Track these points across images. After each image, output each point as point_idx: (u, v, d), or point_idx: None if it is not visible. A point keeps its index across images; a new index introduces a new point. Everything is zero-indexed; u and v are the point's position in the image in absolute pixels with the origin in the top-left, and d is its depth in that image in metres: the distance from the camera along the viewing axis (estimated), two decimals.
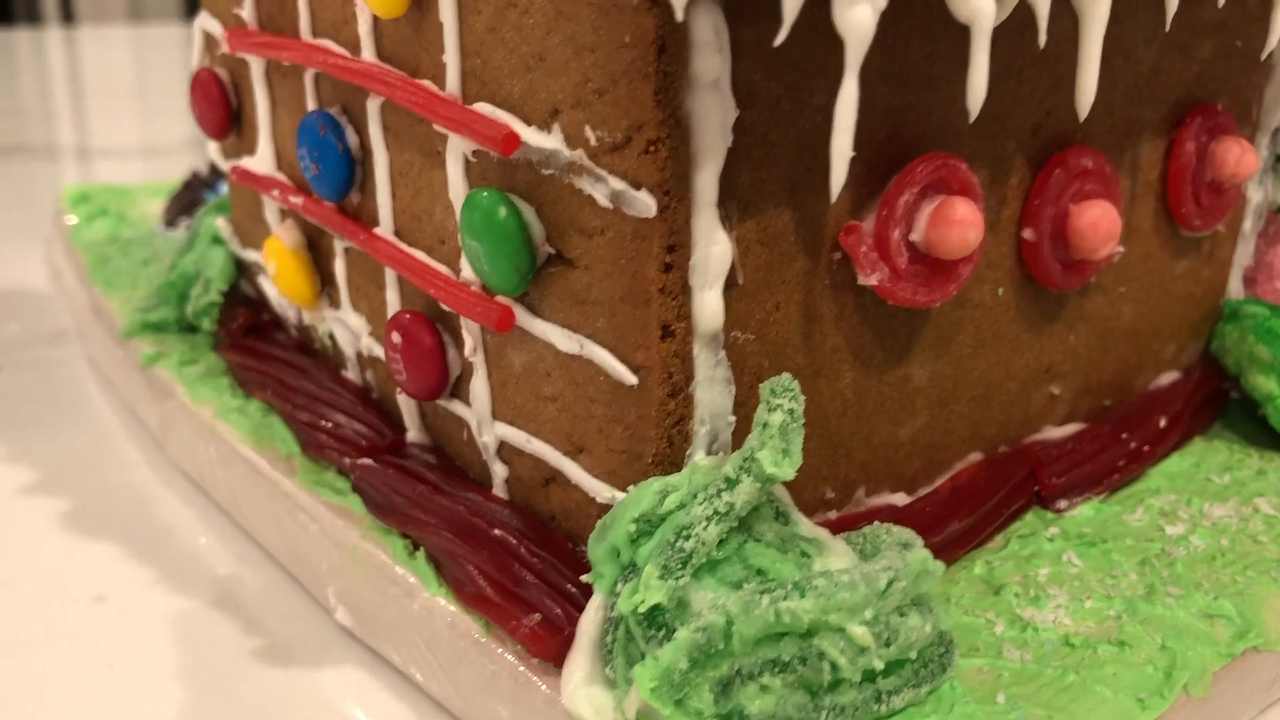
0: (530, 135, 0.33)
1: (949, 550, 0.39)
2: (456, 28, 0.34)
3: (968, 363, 0.40)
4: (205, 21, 0.51)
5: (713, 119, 0.30)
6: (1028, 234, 0.40)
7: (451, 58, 0.35)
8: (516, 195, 0.34)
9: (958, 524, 0.40)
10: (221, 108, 0.50)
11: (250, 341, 0.52)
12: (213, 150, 0.54)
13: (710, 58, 0.30)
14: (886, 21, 0.33)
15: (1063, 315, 0.43)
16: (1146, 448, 0.45)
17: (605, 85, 0.30)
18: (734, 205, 0.32)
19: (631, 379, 0.33)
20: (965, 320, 0.40)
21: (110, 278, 0.65)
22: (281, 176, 0.47)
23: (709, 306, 0.32)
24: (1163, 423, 0.46)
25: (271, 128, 0.48)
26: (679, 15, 0.26)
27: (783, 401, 0.32)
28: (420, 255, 0.39)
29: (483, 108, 0.34)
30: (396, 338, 0.40)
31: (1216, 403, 0.50)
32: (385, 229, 0.41)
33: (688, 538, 0.31)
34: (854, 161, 0.34)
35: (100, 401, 0.61)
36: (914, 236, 0.35)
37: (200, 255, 0.57)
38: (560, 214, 0.33)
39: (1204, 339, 0.51)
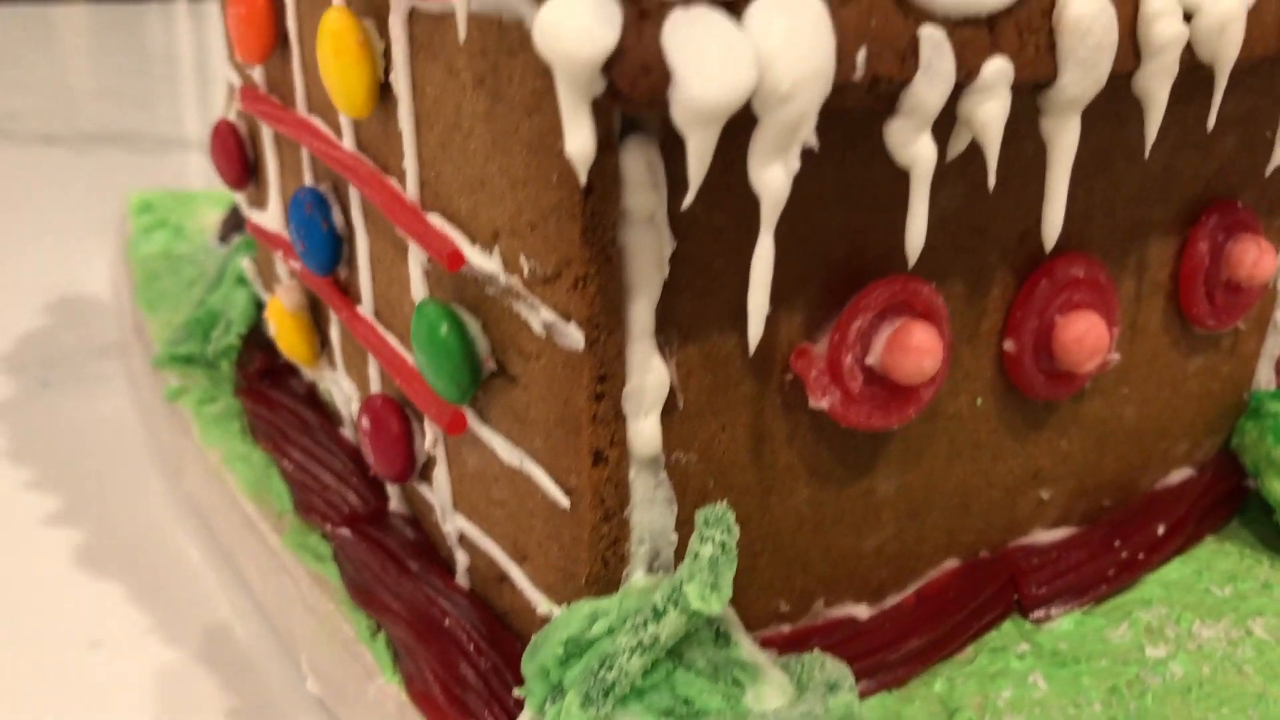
0: (473, 255, 0.33)
1: (908, 666, 0.39)
2: (414, 138, 0.34)
3: (941, 473, 0.39)
4: (228, 72, 0.52)
5: (647, 253, 0.30)
6: (1009, 346, 0.39)
7: (410, 165, 0.35)
8: (465, 307, 0.34)
9: (919, 640, 0.39)
10: (239, 161, 0.51)
11: (264, 387, 0.54)
12: (237, 196, 0.55)
13: (644, 194, 0.29)
14: (845, 143, 0.32)
15: (1052, 421, 0.42)
16: (1141, 555, 0.44)
17: (536, 219, 0.30)
18: (674, 332, 0.32)
19: (565, 501, 0.33)
20: (938, 432, 0.39)
21: (154, 298, 0.67)
22: (287, 236, 0.48)
23: (645, 433, 0.32)
24: (1161, 530, 0.45)
25: (281, 188, 0.48)
26: (581, 179, 0.26)
27: (715, 533, 0.32)
28: (393, 341, 0.40)
29: (435, 219, 0.34)
30: (366, 422, 0.40)
31: (1233, 501, 0.48)
32: (366, 309, 0.41)
33: (610, 667, 0.31)
34: (807, 282, 0.34)
35: (133, 424, 0.63)
36: (870, 360, 0.34)
37: (225, 295, 0.58)
38: (503, 332, 0.33)
39: (1224, 433, 0.49)
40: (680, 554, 0.35)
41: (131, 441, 0.61)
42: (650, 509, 0.33)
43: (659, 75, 0.24)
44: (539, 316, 0.31)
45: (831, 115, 0.27)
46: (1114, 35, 0.30)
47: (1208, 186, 0.43)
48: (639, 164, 0.29)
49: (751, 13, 0.25)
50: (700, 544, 0.31)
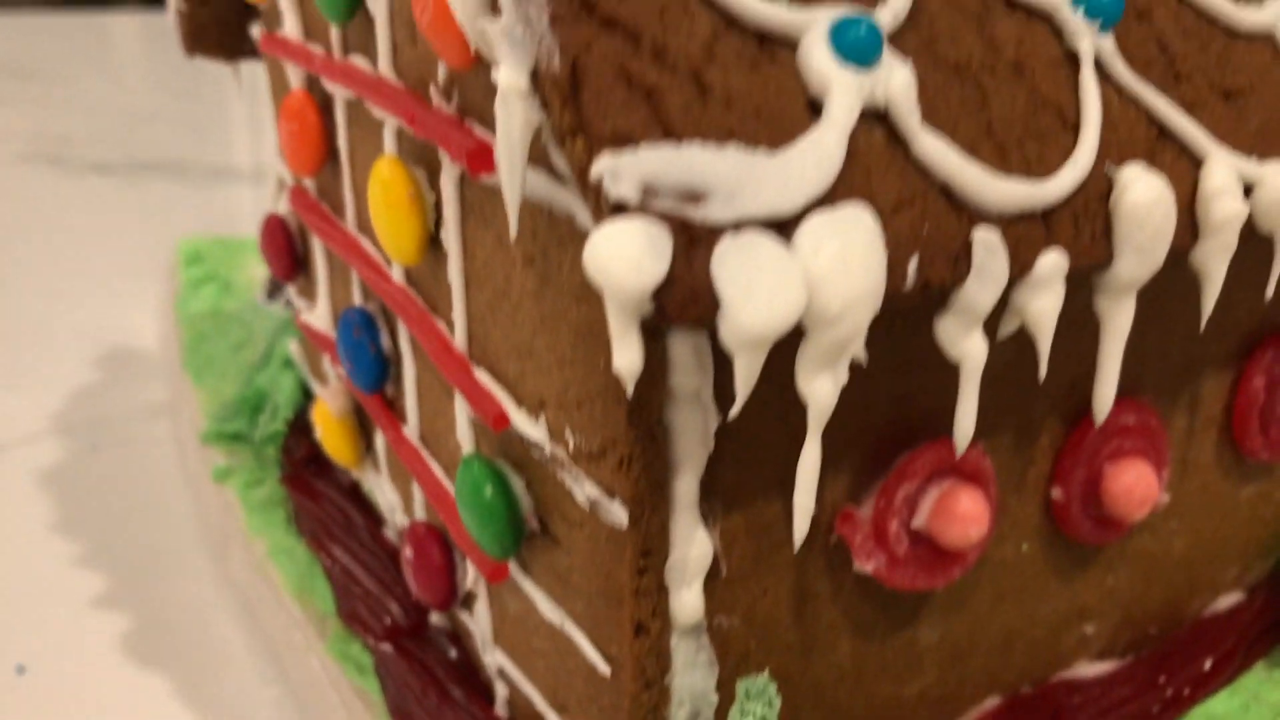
0: (519, 419, 0.33)
1: None
2: (463, 294, 0.34)
3: (985, 619, 0.39)
4: (279, 166, 0.52)
5: (692, 430, 0.30)
6: (1056, 494, 0.38)
7: (459, 319, 0.35)
8: (510, 463, 0.34)
9: None
10: (288, 256, 0.52)
11: (308, 476, 0.54)
12: (288, 286, 0.56)
13: (690, 376, 0.29)
14: (892, 313, 0.32)
15: (1099, 560, 0.41)
16: (1187, 691, 0.43)
17: (582, 398, 0.30)
18: (717, 501, 0.32)
19: (605, 669, 0.33)
20: (983, 579, 0.38)
21: (202, 364, 0.68)
22: (334, 338, 0.49)
23: (687, 603, 0.32)
24: (1208, 665, 0.44)
25: (329, 290, 0.49)
26: (629, 392, 0.26)
27: (756, 706, 0.32)
28: (437, 472, 0.40)
29: (482, 376, 0.34)
30: (409, 551, 0.41)
31: None
32: (412, 433, 0.42)
33: None
34: (853, 447, 0.33)
35: (180, 492, 0.63)
36: (916, 523, 0.34)
37: (273, 377, 0.59)
38: (548, 493, 0.33)
39: (1275, 556, 0.48)
40: (721, 711, 0.34)
41: (179, 513, 0.62)
42: (691, 672, 0.33)
43: (708, 303, 0.24)
44: (583, 489, 0.31)
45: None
46: (1172, 221, 0.30)
47: (1264, 320, 0.42)
48: (686, 349, 0.29)
49: (803, 232, 0.25)
50: (741, 717, 0.31)
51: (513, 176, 0.26)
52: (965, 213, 0.27)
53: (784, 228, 0.25)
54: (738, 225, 0.24)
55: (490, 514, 0.33)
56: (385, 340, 0.42)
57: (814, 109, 0.26)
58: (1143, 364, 0.39)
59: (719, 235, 0.24)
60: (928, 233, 0.27)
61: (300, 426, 0.57)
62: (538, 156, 0.28)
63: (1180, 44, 0.33)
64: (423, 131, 0.33)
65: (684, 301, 0.24)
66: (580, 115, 0.24)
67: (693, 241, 0.24)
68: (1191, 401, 0.41)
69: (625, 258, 0.24)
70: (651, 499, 0.30)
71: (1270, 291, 0.35)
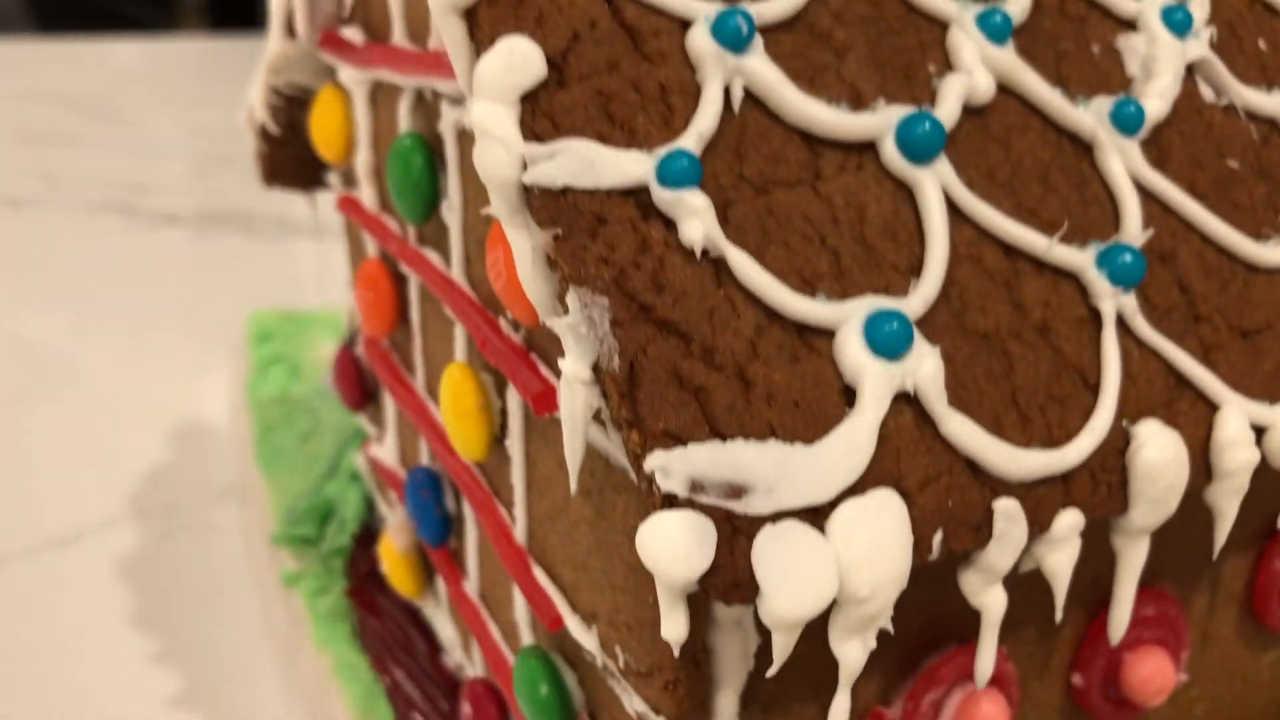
0: (573, 624, 0.35)
1: None
2: (524, 498, 0.37)
3: None
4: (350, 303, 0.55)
5: (734, 651, 0.33)
6: (1077, 680, 0.40)
7: (520, 518, 0.38)
8: (564, 657, 0.37)
9: None
10: (358, 388, 0.55)
11: (373, 591, 0.57)
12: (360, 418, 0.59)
13: (732, 608, 0.32)
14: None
15: None
16: None
17: (632, 623, 0.33)
18: (756, 709, 0.34)
19: None
20: None
21: (270, 455, 0.72)
22: (401, 474, 0.52)
23: None
24: None
25: (398, 430, 0.52)
26: (675, 654, 0.29)
27: None
28: (495, 634, 0.43)
29: (539, 575, 0.37)
30: (467, 708, 0.43)
31: None
32: (472, 589, 0.45)
33: None
34: (884, 653, 0.36)
35: (249, 587, 0.67)
36: None
37: (340, 490, 0.62)
38: (598, 694, 0.36)
39: None
40: None
41: (248, 609, 0.65)
42: None
43: (749, 589, 0.27)
44: (631, 702, 0.34)
45: None
46: (1185, 477, 0.32)
47: None
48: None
49: (835, 520, 0.27)
50: None
51: (574, 448, 0.29)
52: (988, 483, 0.30)
53: (819, 515, 0.27)
54: (776, 516, 0.27)
55: (545, 710, 0.36)
56: (450, 501, 0.45)
57: (849, 395, 0.29)
58: (1164, 555, 0.41)
59: (759, 526, 0.27)
60: (953, 505, 0.29)
61: (366, 539, 0.60)
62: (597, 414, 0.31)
63: (1201, 284, 0.35)
64: (492, 357, 0.35)
65: (727, 588, 0.27)
66: (636, 411, 0.27)
67: (735, 532, 0.27)
68: (1212, 582, 0.43)
69: (673, 548, 0.26)
70: (694, 716, 0.33)
71: None
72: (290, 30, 0.47)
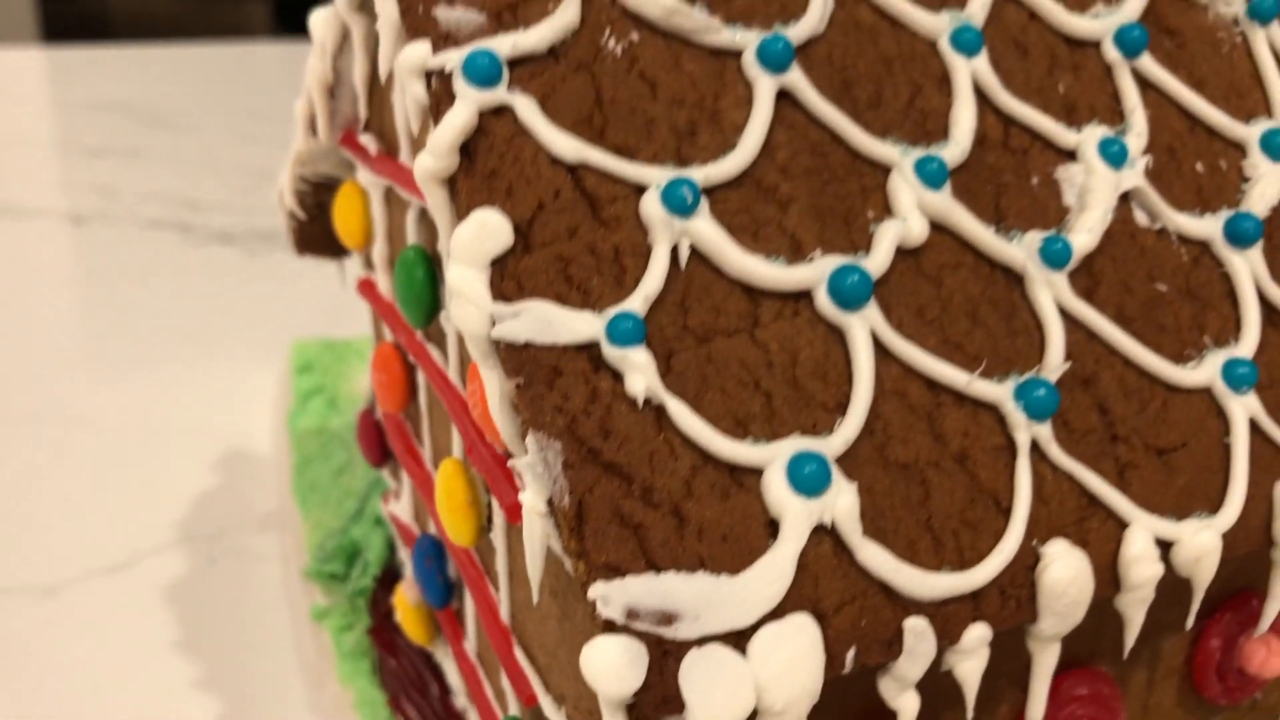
0: (546, 704, 0.40)
1: None
2: (507, 585, 0.42)
3: None
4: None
5: None
6: None
7: (504, 602, 0.42)
8: None
9: None
10: (378, 449, 0.59)
11: (391, 631, 0.62)
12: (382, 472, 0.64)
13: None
14: None
15: None
16: None
17: (593, 710, 0.37)
18: None
19: None
20: None
21: (307, 489, 0.77)
22: (415, 531, 0.56)
23: None
24: None
25: (412, 490, 0.57)
26: None
27: None
28: (489, 693, 0.47)
29: (519, 654, 0.41)
30: None
31: None
32: (470, 649, 0.49)
33: None
34: None
35: (283, 615, 0.72)
36: None
37: (365, 533, 0.67)
38: None
39: None
40: None
41: (282, 637, 0.70)
42: None
43: (676, 707, 0.31)
44: None
45: None
46: (1089, 591, 0.36)
47: (1224, 585, 0.47)
48: None
49: (755, 642, 0.31)
50: None
51: (534, 566, 0.33)
52: (900, 603, 0.34)
53: (741, 638, 0.31)
54: (702, 640, 0.31)
55: None
56: (452, 569, 0.49)
57: (774, 527, 0.33)
58: (1100, 635, 0.44)
59: (686, 649, 0.31)
60: (866, 625, 0.33)
61: (387, 581, 0.65)
62: None
63: (1121, 406, 0.39)
64: (477, 464, 0.40)
65: (656, 704, 0.31)
66: (583, 545, 0.31)
67: (665, 655, 0.31)
68: (1152, 658, 0.47)
69: (610, 668, 0.31)
70: None
71: (1190, 623, 0.40)
72: (313, 129, 0.52)
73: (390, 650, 0.61)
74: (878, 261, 0.36)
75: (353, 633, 0.64)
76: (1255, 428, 0.40)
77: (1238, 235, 0.42)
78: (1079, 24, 0.44)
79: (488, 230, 0.33)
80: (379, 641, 0.62)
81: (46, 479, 0.84)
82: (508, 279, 0.33)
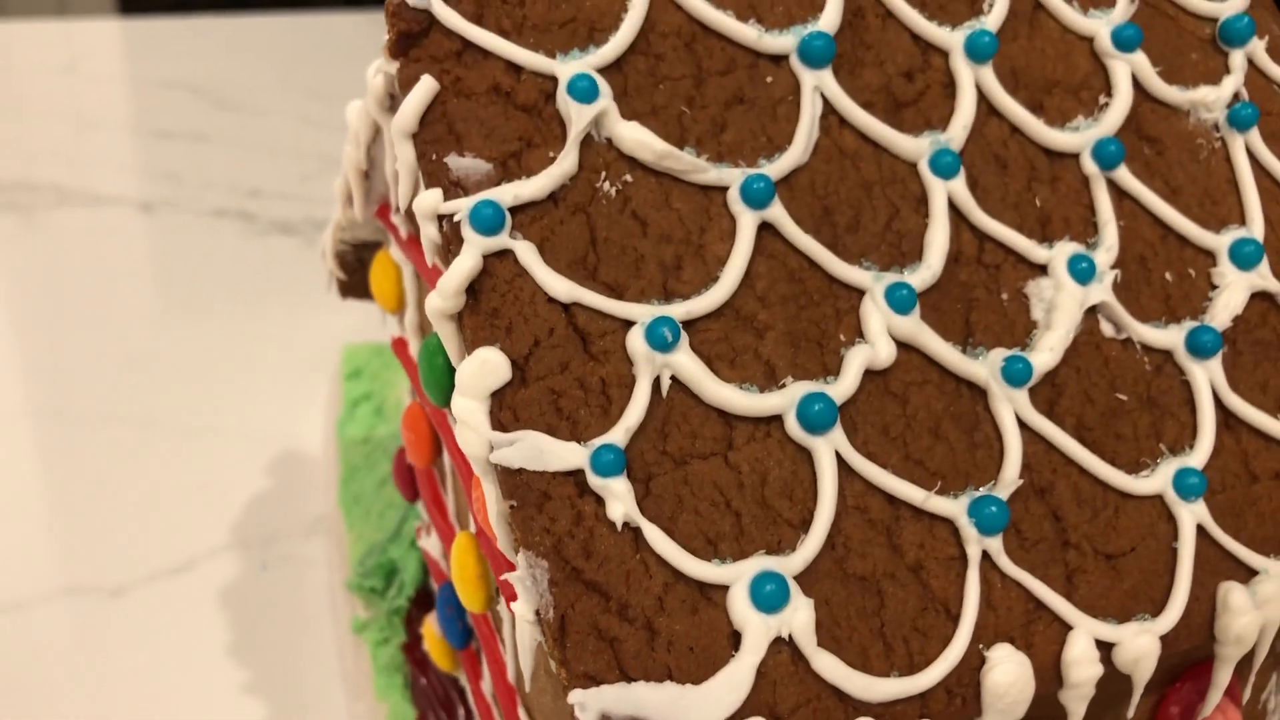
0: None
1: None
2: (512, 650, 0.46)
3: None
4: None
5: None
6: None
7: (510, 663, 0.47)
8: None
9: None
10: (410, 487, 0.64)
11: (423, 652, 0.67)
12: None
13: None
14: None
15: None
16: None
17: None
18: None
19: None
20: None
21: (352, 500, 0.82)
22: (444, 570, 0.61)
23: None
24: None
25: (440, 534, 0.61)
26: None
27: None
28: None
29: (522, 714, 0.46)
30: None
31: None
32: (486, 690, 0.54)
33: None
34: None
35: (328, 622, 0.77)
36: None
37: (402, 554, 0.72)
38: None
39: None
40: None
41: (326, 645, 0.76)
42: None
43: None
44: None
45: None
46: (1030, 693, 0.39)
47: (1173, 670, 0.50)
48: None
49: None
50: None
51: (525, 663, 0.38)
52: (851, 704, 0.38)
53: None
54: None
55: None
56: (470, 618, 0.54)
57: (737, 638, 0.37)
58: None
59: None
60: None
61: (422, 600, 0.70)
62: None
63: (1074, 514, 0.42)
64: (483, 545, 0.44)
65: None
66: (564, 654, 0.36)
67: None
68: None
69: None
70: None
71: (1130, 714, 0.43)
72: (350, 203, 0.56)
73: (421, 669, 0.66)
74: (845, 386, 0.40)
75: (389, 647, 0.69)
76: (1203, 532, 0.43)
77: (1198, 347, 0.45)
78: (1058, 138, 0.46)
79: (488, 368, 0.37)
80: (411, 659, 0.67)
81: (114, 479, 0.90)
82: (505, 409, 0.37)
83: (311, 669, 0.73)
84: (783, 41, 0.43)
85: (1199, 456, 0.44)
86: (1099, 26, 0.49)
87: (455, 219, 0.38)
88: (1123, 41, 0.48)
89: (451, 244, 0.39)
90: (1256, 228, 0.48)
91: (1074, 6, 0.49)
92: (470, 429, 0.37)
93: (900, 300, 0.41)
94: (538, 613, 0.36)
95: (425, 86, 0.40)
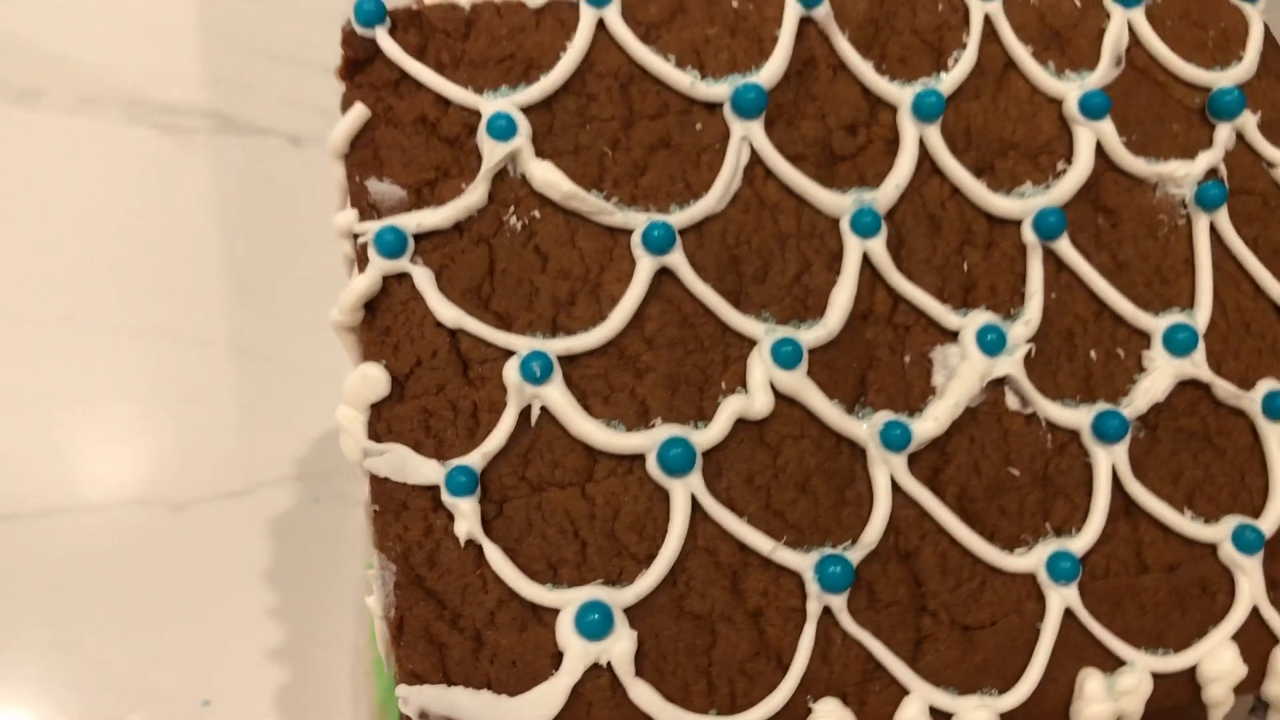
0: None
1: None
2: None
3: None
4: None
5: None
6: None
7: None
8: None
9: None
10: None
11: None
12: None
13: None
14: None
15: None
16: None
17: None
18: None
19: None
20: None
21: None
22: None
23: None
24: None
25: None
26: None
27: None
28: None
29: None
30: None
31: None
32: None
33: None
34: None
35: (359, 560, 0.83)
36: None
37: None
38: None
39: None
40: None
41: (353, 580, 0.81)
42: None
43: None
44: None
45: None
46: None
47: None
48: None
49: None
50: None
51: (382, 648, 0.42)
52: None
53: None
54: None
55: None
56: None
57: (559, 659, 0.40)
58: None
59: None
60: None
61: None
62: None
63: (936, 581, 0.43)
64: None
65: None
66: (399, 651, 0.39)
67: None
68: None
69: None
70: None
71: None
72: None
73: None
74: (713, 433, 0.42)
75: None
76: (1072, 616, 0.43)
77: (1103, 430, 0.44)
78: (999, 203, 0.47)
79: (369, 382, 0.41)
80: None
81: (201, 401, 0.97)
82: (381, 421, 0.41)
83: (332, 603, 0.79)
84: (716, 90, 0.45)
85: (1083, 541, 0.44)
86: (1070, 90, 0.48)
87: (361, 241, 0.42)
88: (1090, 108, 0.48)
89: (359, 262, 0.42)
90: (1202, 312, 0.47)
91: (1049, 68, 0.49)
92: (349, 435, 0.41)
93: (784, 355, 0.42)
94: (385, 611, 0.40)
95: (356, 113, 0.43)
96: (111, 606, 0.78)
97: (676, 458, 0.40)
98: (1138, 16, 0.50)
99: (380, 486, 0.40)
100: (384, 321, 0.41)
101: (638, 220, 0.43)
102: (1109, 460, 0.45)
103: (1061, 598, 0.43)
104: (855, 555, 0.42)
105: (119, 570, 0.81)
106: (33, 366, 0.86)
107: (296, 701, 0.72)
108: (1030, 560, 0.43)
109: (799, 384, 0.43)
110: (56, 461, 0.83)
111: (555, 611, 0.40)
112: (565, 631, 0.39)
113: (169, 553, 0.82)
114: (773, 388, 0.43)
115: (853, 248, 0.45)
